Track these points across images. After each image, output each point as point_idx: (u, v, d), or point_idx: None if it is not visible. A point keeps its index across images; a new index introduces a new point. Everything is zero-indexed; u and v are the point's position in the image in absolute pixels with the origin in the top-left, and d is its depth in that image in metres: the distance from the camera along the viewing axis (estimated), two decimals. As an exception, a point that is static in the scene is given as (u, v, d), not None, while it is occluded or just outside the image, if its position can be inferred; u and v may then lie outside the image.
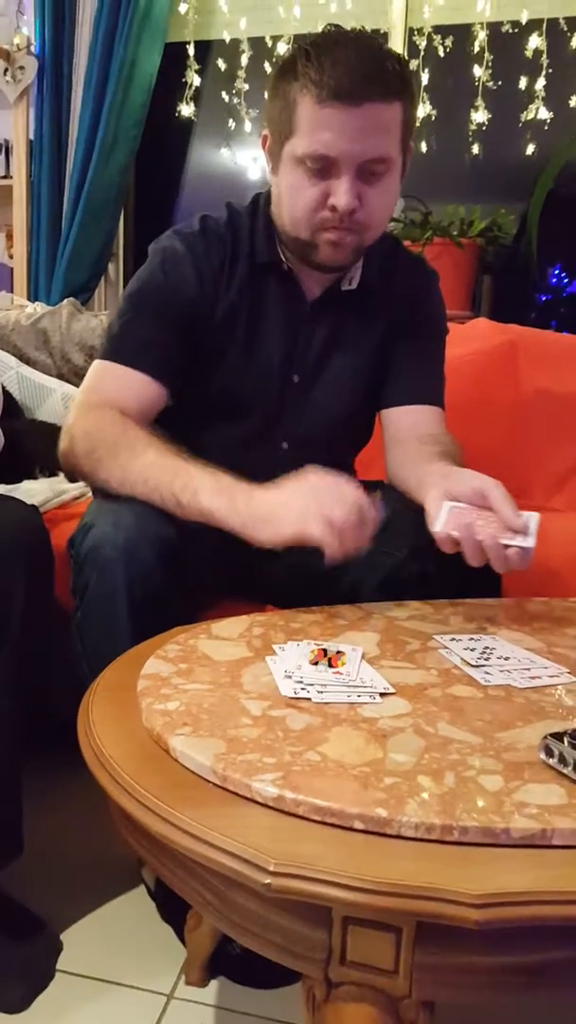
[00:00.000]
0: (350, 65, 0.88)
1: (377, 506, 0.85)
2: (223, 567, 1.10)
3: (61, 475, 1.70)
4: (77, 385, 1.99)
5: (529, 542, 0.82)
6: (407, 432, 1.11)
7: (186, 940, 0.96)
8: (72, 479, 1.23)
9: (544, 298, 2.51)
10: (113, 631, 0.86)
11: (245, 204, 1.10)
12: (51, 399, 1.95)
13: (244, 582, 1.13)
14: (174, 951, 1.00)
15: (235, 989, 0.96)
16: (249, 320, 1.07)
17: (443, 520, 0.85)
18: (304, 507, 0.84)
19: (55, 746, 1.04)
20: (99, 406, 0.99)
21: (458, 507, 0.86)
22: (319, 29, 0.97)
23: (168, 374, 1.03)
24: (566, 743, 0.57)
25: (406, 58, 1.12)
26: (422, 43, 2.20)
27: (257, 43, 2.35)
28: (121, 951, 1.01)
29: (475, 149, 2.24)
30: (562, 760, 0.57)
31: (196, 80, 2.37)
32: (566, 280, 2.48)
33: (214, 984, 0.97)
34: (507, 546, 0.82)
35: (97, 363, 1.04)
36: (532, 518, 0.84)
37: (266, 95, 0.99)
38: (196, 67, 2.37)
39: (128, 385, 1.01)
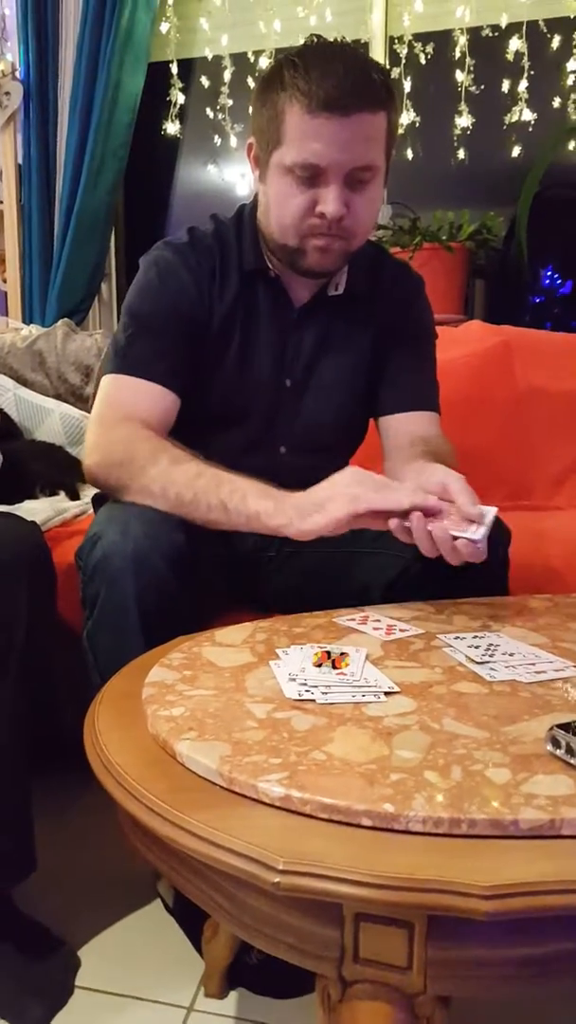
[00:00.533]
0: (338, 76, 0.90)
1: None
2: (229, 575, 1.10)
3: (62, 494, 1.71)
4: (74, 405, 2.02)
5: (478, 534, 0.83)
6: (404, 438, 1.12)
7: (204, 951, 0.96)
8: (96, 501, 1.23)
9: (537, 300, 2.52)
10: (124, 641, 0.86)
11: (230, 216, 1.11)
12: (49, 419, 1.96)
13: (250, 589, 1.13)
14: (192, 964, 1.00)
15: (254, 999, 0.95)
16: (243, 328, 1.08)
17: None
18: (354, 491, 0.86)
19: (65, 763, 1.04)
20: (123, 420, 1.00)
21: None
22: (300, 43, 0.98)
23: (178, 383, 1.04)
24: (573, 734, 0.57)
25: (388, 67, 1.13)
26: (403, 51, 2.22)
27: (239, 59, 2.37)
28: (139, 965, 1.01)
29: (460, 154, 2.26)
30: (569, 751, 0.57)
31: (180, 98, 2.40)
32: (559, 281, 2.49)
33: (233, 995, 0.96)
34: (456, 537, 0.83)
35: (108, 378, 1.04)
36: (489, 512, 0.85)
37: (251, 104, 1.01)
38: (180, 85, 2.39)
39: (143, 397, 1.02)
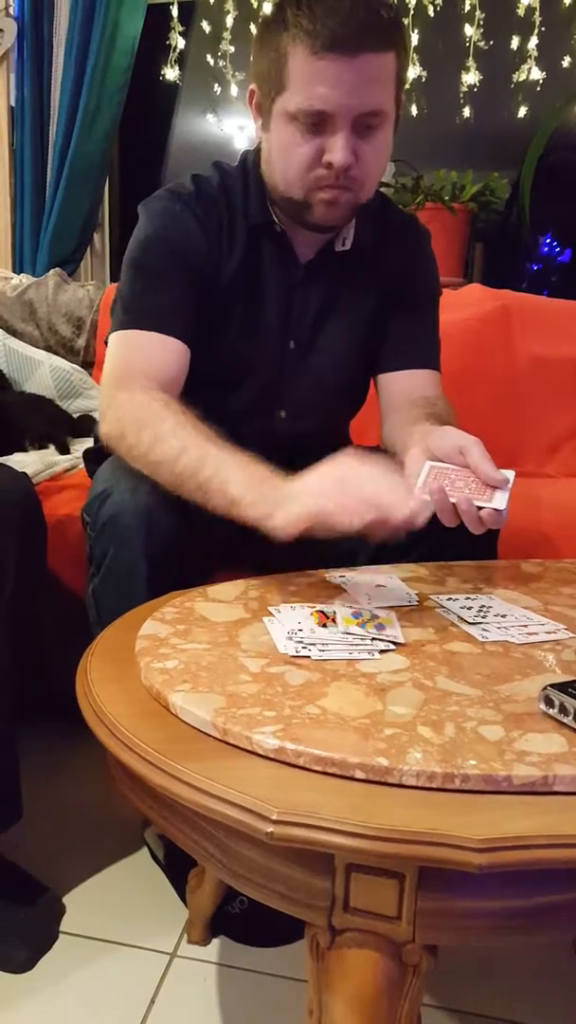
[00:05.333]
0: (344, 13, 0.85)
1: (422, 493, 0.81)
2: (225, 534, 1.09)
3: (51, 447, 1.69)
4: (65, 357, 1.98)
5: (502, 503, 0.81)
6: (402, 397, 1.09)
7: (188, 900, 0.97)
8: (87, 456, 1.21)
9: (535, 267, 2.49)
10: (131, 599, 0.85)
11: (234, 164, 1.07)
12: (39, 371, 1.93)
13: (241, 551, 1.12)
14: (176, 911, 1.01)
15: (236, 947, 0.97)
16: (249, 286, 1.04)
17: (421, 481, 0.83)
18: (324, 487, 0.78)
19: (51, 716, 1.05)
20: (129, 384, 0.94)
21: (438, 466, 0.85)
22: None
23: (191, 335, 0.98)
24: (567, 694, 0.57)
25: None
26: (412, 2, 2.15)
27: (242, 3, 2.29)
28: (123, 912, 1.02)
29: (466, 112, 2.21)
30: (563, 710, 0.57)
31: (180, 43, 2.32)
32: (557, 249, 2.46)
33: (216, 943, 0.98)
34: (480, 508, 0.81)
35: (117, 335, 0.99)
36: (510, 476, 0.83)
37: (252, 47, 0.96)
38: (180, 29, 2.31)
39: (155, 352, 0.97)
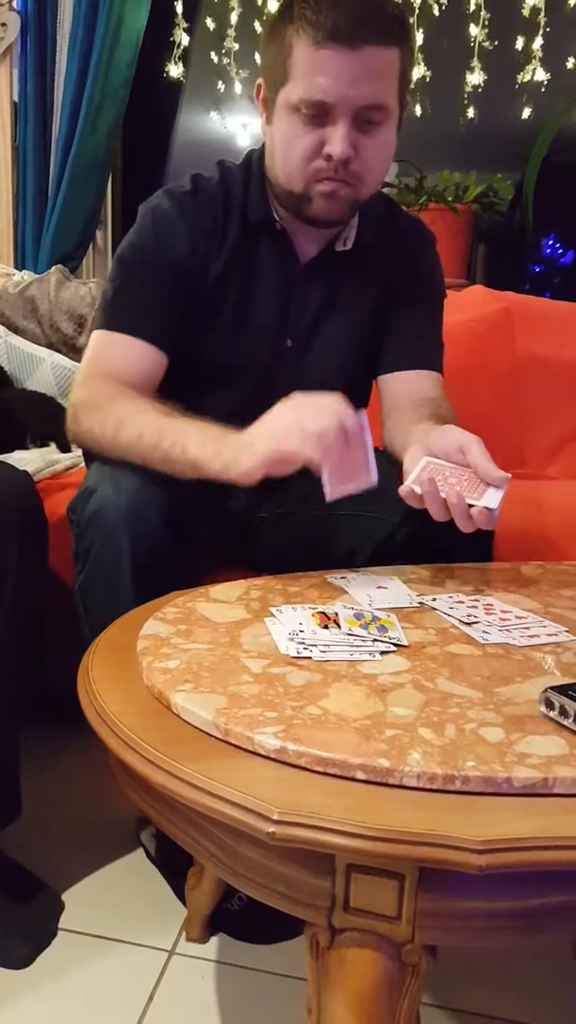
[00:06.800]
0: (349, 6, 0.86)
1: (362, 420, 0.83)
2: (219, 533, 1.09)
3: (52, 445, 1.69)
4: (66, 354, 1.98)
5: (494, 502, 0.80)
6: (404, 397, 1.09)
7: (186, 898, 0.98)
8: (87, 454, 1.22)
9: (538, 269, 2.49)
10: (116, 594, 0.86)
11: (238, 163, 1.08)
12: (41, 368, 1.93)
13: (240, 550, 1.13)
14: (174, 909, 1.02)
15: (235, 944, 0.97)
16: (241, 283, 1.05)
17: (415, 475, 0.83)
18: (280, 425, 0.82)
19: (53, 713, 1.05)
20: (98, 377, 0.98)
21: (435, 463, 0.84)
22: None
23: (167, 340, 1.01)
24: (567, 696, 0.57)
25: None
26: (417, 1, 2.15)
27: (247, 0, 2.28)
28: (122, 909, 1.02)
29: (470, 112, 2.20)
30: (563, 712, 0.57)
31: (184, 39, 2.32)
32: (560, 251, 2.46)
33: (214, 940, 0.98)
34: (471, 505, 0.81)
35: (96, 333, 1.02)
36: (507, 477, 0.82)
37: (260, 43, 0.97)
38: (184, 25, 2.30)
39: (129, 354, 0.99)
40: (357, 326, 1.10)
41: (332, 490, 0.83)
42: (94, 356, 1.01)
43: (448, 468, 0.84)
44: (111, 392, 0.96)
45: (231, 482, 0.85)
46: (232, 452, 0.84)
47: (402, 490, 0.84)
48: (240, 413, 1.05)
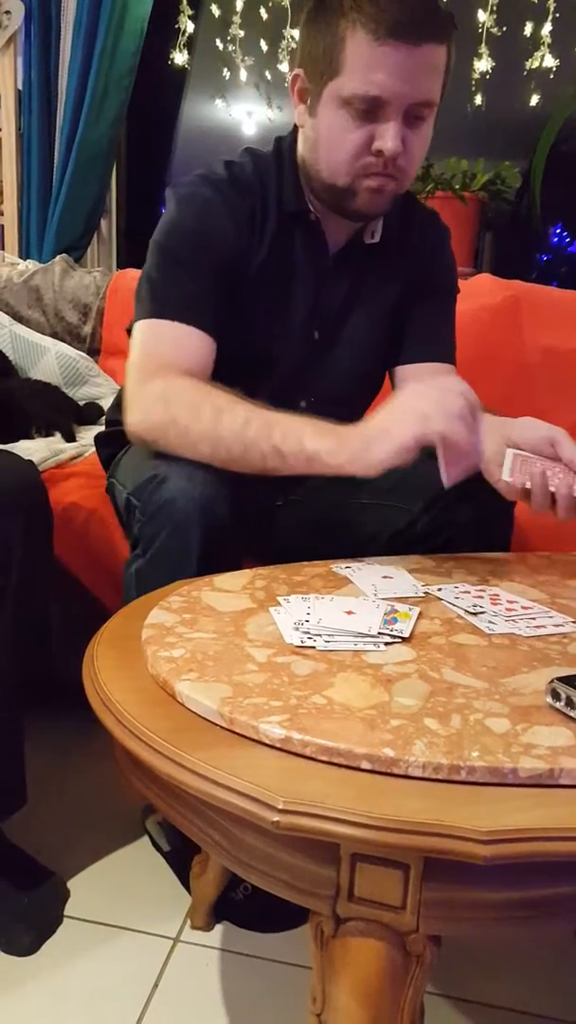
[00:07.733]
0: (409, 2, 0.85)
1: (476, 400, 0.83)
2: (246, 520, 1.08)
3: (57, 435, 1.69)
4: (71, 343, 1.98)
5: None
6: None
7: (191, 886, 0.98)
8: (103, 432, 1.20)
9: (545, 258, 2.47)
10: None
11: (267, 150, 1.05)
12: (45, 358, 1.92)
13: (258, 538, 1.12)
14: (179, 897, 1.02)
15: (239, 933, 0.98)
16: (279, 275, 1.03)
17: (509, 468, 0.84)
18: (420, 409, 0.80)
19: (57, 701, 1.05)
20: (163, 371, 0.94)
21: (522, 455, 0.84)
22: None
23: (216, 327, 0.97)
24: (573, 687, 0.57)
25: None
26: (424, -13, 2.13)
27: (252, -13, 2.26)
28: (127, 897, 1.03)
29: (478, 99, 2.18)
30: (569, 703, 0.57)
31: (189, 27, 2.29)
32: (567, 240, 2.44)
33: (219, 928, 0.99)
34: None
35: (144, 323, 0.97)
36: None
37: (300, 31, 0.95)
38: (189, 12, 2.28)
39: (183, 343, 0.96)
40: (378, 318, 1.09)
41: (454, 472, 0.81)
42: (145, 349, 0.97)
43: (537, 460, 0.84)
44: (188, 383, 0.92)
45: (350, 475, 0.83)
46: (359, 444, 0.82)
47: (504, 484, 0.84)
48: (268, 404, 1.03)
